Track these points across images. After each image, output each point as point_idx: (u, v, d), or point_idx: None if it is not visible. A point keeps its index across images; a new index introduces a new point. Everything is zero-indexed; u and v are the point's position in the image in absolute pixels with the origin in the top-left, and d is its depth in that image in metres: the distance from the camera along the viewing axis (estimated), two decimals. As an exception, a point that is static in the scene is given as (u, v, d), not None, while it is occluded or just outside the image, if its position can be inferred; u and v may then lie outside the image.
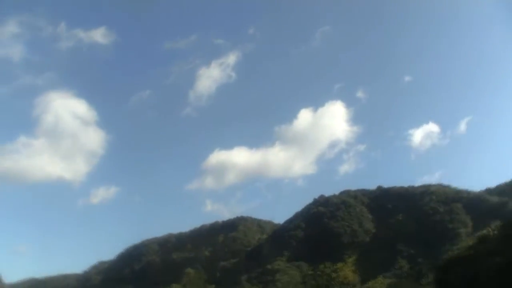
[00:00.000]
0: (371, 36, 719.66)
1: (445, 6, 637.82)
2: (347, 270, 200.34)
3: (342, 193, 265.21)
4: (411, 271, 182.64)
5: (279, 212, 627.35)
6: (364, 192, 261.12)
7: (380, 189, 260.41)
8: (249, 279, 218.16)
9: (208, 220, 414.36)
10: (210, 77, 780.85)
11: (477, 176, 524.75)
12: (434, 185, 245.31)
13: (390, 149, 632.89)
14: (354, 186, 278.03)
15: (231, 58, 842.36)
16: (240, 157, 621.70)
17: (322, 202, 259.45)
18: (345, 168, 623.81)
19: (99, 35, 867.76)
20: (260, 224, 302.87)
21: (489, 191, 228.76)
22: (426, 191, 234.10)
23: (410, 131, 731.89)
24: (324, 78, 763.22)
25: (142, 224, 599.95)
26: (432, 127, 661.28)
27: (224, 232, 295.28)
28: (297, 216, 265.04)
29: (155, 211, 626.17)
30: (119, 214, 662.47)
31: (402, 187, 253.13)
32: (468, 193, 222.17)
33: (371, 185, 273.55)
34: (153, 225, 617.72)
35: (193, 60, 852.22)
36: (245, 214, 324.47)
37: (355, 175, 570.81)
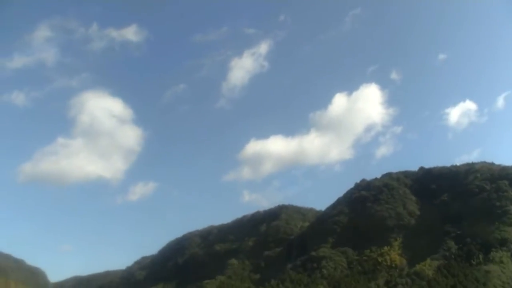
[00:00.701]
0: (403, 15, 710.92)
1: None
2: (394, 254, 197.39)
3: (383, 176, 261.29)
4: (460, 252, 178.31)
5: (318, 199, 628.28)
6: (406, 174, 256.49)
7: (422, 170, 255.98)
8: (294, 267, 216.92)
9: (246, 211, 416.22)
10: (243, 68, 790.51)
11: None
12: (477, 163, 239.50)
13: (427, 129, 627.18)
14: (392, 169, 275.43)
15: (263, 47, 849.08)
16: (276, 146, 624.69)
17: (364, 186, 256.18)
18: (382, 151, 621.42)
19: (131, 33, 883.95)
20: (301, 212, 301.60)
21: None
22: (470, 169, 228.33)
23: (447, 110, 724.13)
24: (357, 61, 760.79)
25: (182, 217, 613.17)
26: (469, 105, 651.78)
27: (266, 221, 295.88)
28: (339, 201, 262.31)
29: (194, 204, 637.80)
30: (159, 209, 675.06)
31: (444, 167, 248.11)
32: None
33: (409, 167, 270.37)
34: (193, 218, 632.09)
35: (225, 51, 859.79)
36: (285, 203, 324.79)
37: (392, 158, 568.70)
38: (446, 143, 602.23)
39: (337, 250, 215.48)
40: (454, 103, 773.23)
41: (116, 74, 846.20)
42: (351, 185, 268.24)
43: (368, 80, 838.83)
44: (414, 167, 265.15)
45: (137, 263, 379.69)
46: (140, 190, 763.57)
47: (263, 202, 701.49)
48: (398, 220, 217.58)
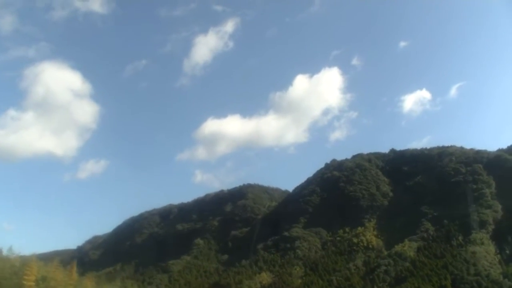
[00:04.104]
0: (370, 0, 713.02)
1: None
2: (370, 235, 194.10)
3: (354, 156, 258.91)
4: (438, 233, 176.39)
5: (272, 179, 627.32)
6: (377, 155, 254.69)
7: (393, 151, 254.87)
8: (265, 247, 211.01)
9: (200, 191, 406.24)
10: (207, 45, 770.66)
11: (469, 139, 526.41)
12: (449, 147, 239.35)
13: (381, 115, 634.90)
14: (345, 153, 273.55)
15: (229, 26, 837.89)
16: (233, 127, 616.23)
17: (335, 167, 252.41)
18: (336, 135, 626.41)
19: (97, 4, 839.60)
20: (268, 192, 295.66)
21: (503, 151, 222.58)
22: (444, 153, 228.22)
23: (403, 97, 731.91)
24: (321, 44, 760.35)
25: (135, 196, 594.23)
26: (424, 93, 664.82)
27: (232, 200, 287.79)
28: (310, 181, 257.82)
29: (147, 183, 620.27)
30: (110, 188, 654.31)
31: (416, 149, 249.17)
32: (488, 153, 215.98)
33: (359, 151, 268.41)
34: (147, 197, 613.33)
35: (191, 27, 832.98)
36: (245, 183, 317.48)
37: (346, 142, 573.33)
38: (399, 129, 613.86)
39: (310, 230, 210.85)
40: (411, 91, 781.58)
41: (77, 46, 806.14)
42: (307, 167, 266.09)
43: (330, 63, 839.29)
44: (364, 151, 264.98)
45: (89, 242, 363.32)
46: (90, 168, 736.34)
47: (215, 183, 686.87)
48: (372, 201, 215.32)
